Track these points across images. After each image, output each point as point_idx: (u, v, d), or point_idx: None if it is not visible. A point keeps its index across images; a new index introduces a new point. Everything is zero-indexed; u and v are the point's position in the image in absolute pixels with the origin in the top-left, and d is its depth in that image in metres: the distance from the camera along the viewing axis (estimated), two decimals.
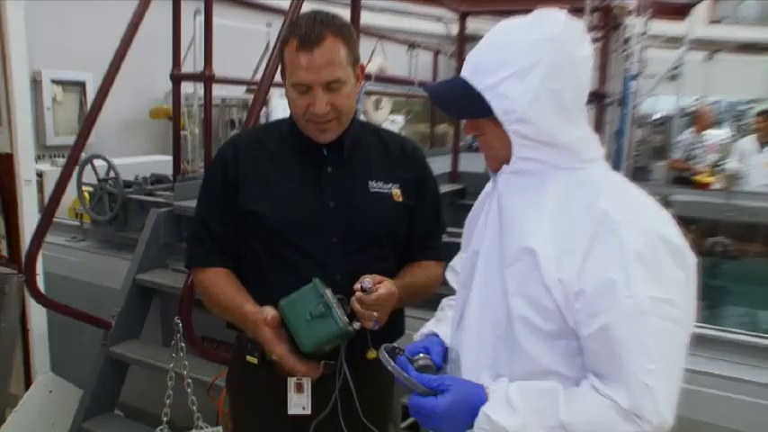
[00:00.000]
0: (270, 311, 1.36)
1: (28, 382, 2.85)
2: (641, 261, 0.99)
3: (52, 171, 4.40)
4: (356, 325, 1.35)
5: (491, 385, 1.10)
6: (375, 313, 1.35)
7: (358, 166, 1.53)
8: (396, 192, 1.53)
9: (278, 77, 2.38)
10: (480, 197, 1.32)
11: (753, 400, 1.86)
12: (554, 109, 1.06)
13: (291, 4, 2.32)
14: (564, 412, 1.01)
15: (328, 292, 1.32)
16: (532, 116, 1.06)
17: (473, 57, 1.12)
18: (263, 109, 6.70)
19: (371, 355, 1.48)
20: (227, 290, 1.49)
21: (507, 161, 1.13)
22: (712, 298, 4.87)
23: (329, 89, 1.39)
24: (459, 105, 1.15)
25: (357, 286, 1.35)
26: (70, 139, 6.11)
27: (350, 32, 1.44)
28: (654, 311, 0.98)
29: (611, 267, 1.00)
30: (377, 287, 1.35)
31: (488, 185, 1.27)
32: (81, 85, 6.23)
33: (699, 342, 1.76)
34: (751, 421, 1.84)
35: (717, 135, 8.57)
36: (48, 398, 2.88)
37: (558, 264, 1.04)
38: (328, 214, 1.47)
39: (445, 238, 1.69)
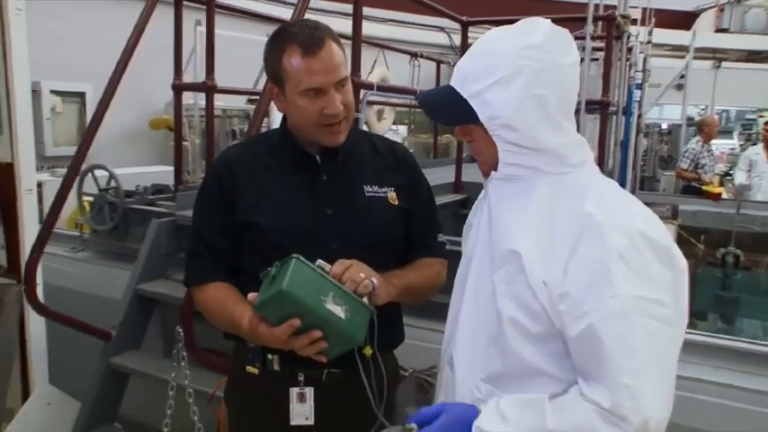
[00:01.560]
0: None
1: (25, 395, 2.86)
2: (624, 261, 1.02)
3: (51, 181, 4.45)
4: (365, 300, 1.34)
5: (483, 404, 1.14)
6: (361, 274, 1.33)
7: (352, 172, 1.55)
8: (391, 195, 1.56)
9: None
10: (475, 205, 1.37)
11: (744, 407, 1.88)
12: (538, 115, 1.12)
13: (294, 13, 2.37)
14: (551, 421, 1.05)
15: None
16: (516, 122, 1.12)
17: (460, 65, 1.19)
18: (265, 120, 6.77)
19: (368, 351, 1.48)
20: (227, 305, 1.49)
21: (497, 167, 1.19)
22: (725, 309, 4.88)
23: (338, 88, 1.44)
24: (448, 112, 1.21)
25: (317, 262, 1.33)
26: (69, 150, 6.20)
27: (336, 35, 1.49)
28: (638, 310, 1.01)
29: (595, 268, 1.03)
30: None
31: (482, 193, 1.32)
32: (80, 96, 6.30)
33: (690, 348, 1.79)
34: (741, 427, 1.87)
35: (725, 144, 8.62)
36: (45, 411, 2.88)
37: (543, 266, 1.08)
38: (326, 222, 1.49)
39: (447, 248, 1.71)
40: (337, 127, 1.47)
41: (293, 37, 1.42)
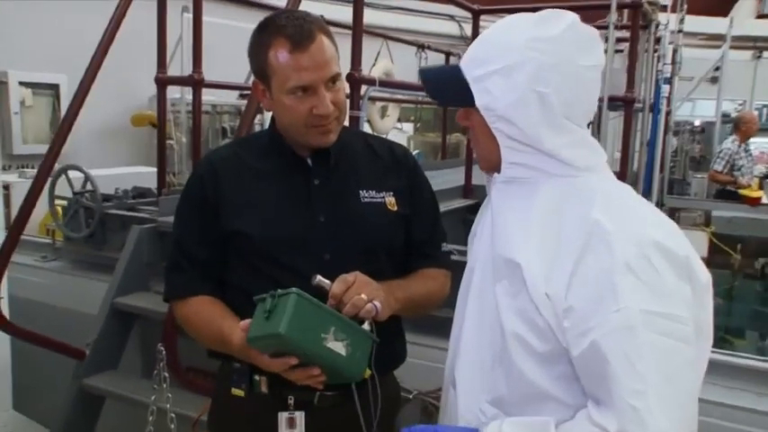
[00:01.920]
0: None
1: None
2: (632, 272, 1.02)
3: (20, 183, 4.47)
4: (365, 326, 1.36)
5: (486, 426, 1.15)
6: (362, 296, 1.34)
7: (347, 176, 1.56)
8: (390, 200, 1.57)
9: None
10: (479, 212, 1.38)
11: None
12: (539, 113, 1.12)
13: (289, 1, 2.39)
14: None
15: (280, 290, 1.32)
16: (515, 116, 1.12)
17: (471, 47, 1.21)
18: (258, 116, 6.81)
19: (366, 373, 1.50)
20: (212, 319, 1.51)
21: (497, 167, 1.20)
22: (764, 326, 4.86)
23: (329, 86, 1.45)
24: (446, 91, 1.24)
25: (314, 281, 1.36)
26: (41, 148, 6.24)
27: (327, 26, 1.50)
28: (646, 326, 1.00)
29: (600, 280, 1.03)
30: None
31: (486, 198, 1.33)
32: (54, 88, 6.32)
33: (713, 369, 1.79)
34: None
35: (765, 143, 8.59)
36: None
37: (545, 278, 1.08)
38: (319, 230, 1.50)
39: (453, 258, 1.73)
40: (329, 126, 1.48)
41: (280, 30, 1.43)
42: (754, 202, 6.04)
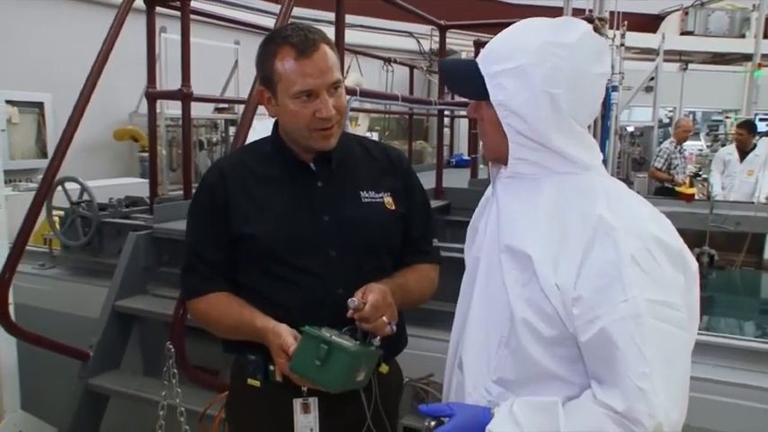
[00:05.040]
0: (288, 337, 1.39)
1: None
2: (637, 264, 1.03)
3: (12, 196, 4.36)
4: (376, 341, 1.40)
5: (496, 406, 1.15)
6: (384, 318, 1.40)
7: (347, 178, 1.56)
8: (388, 200, 1.57)
9: None
10: (481, 202, 1.38)
11: (756, 406, 1.96)
12: (549, 113, 1.12)
13: (277, 21, 2.38)
14: (563, 425, 1.07)
15: (324, 331, 1.35)
16: (526, 114, 1.12)
17: (491, 43, 1.19)
18: (231, 128, 6.73)
19: (383, 369, 1.53)
20: (231, 309, 1.50)
21: (503, 159, 1.20)
22: (702, 308, 5.06)
23: (331, 92, 1.45)
24: (463, 83, 1.24)
25: (350, 313, 1.39)
26: (28, 163, 6.09)
27: (329, 38, 1.51)
28: (650, 313, 1.02)
29: (607, 272, 1.04)
30: (365, 298, 1.39)
31: (488, 190, 1.34)
32: (39, 106, 6.16)
33: (701, 349, 1.85)
34: (755, 426, 1.93)
35: (692, 146, 8.90)
36: None
37: (554, 269, 1.09)
38: (323, 229, 1.50)
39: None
40: (329, 131, 1.48)
41: (286, 39, 1.44)
42: (689, 197, 6.25)
